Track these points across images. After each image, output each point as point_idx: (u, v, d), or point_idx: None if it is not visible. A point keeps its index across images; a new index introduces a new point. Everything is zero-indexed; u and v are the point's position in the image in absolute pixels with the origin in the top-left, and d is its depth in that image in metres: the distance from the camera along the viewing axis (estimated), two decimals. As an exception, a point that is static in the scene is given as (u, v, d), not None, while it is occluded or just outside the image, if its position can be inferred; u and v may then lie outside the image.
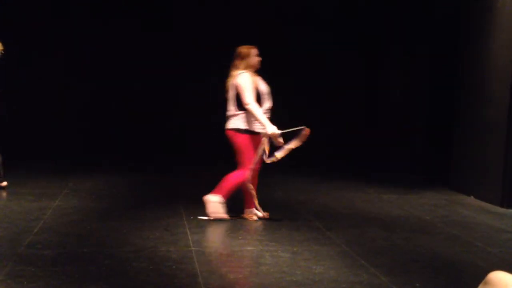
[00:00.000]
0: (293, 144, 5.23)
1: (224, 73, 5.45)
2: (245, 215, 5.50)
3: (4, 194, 6.17)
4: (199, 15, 9.26)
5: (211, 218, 5.32)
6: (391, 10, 9.10)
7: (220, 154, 6.29)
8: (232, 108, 5.31)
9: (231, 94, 5.31)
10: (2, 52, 6.10)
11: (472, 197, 6.97)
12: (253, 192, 5.39)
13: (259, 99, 5.25)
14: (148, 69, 9.10)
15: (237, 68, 5.32)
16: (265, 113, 5.25)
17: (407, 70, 8.85)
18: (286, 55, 9.09)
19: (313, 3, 9.36)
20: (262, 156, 5.26)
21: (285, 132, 5.21)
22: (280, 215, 5.66)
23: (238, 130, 5.26)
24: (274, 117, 5.36)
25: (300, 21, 9.40)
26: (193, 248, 4.45)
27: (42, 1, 8.99)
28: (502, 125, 6.49)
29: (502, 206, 6.46)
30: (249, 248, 4.55)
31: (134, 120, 9.15)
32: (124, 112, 9.15)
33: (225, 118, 5.38)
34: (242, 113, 5.24)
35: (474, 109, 7.02)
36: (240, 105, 5.23)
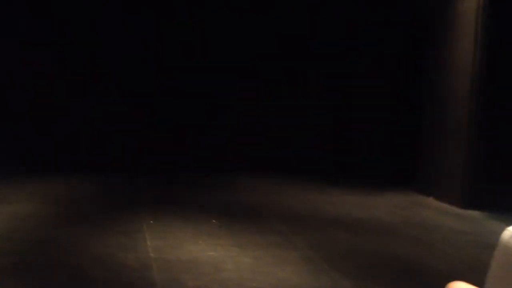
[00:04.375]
0: None
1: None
2: None
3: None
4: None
5: None
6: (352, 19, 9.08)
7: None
8: None
9: None
10: None
11: (431, 198, 7.03)
12: None
13: None
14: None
15: None
16: None
17: (371, 72, 8.89)
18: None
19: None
20: None
21: None
22: (243, 218, 5.59)
23: None
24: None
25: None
26: (152, 255, 4.34)
27: None
28: (463, 126, 6.57)
29: (461, 207, 6.53)
30: (210, 253, 4.47)
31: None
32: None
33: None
34: None
35: (437, 110, 7.10)
36: None
